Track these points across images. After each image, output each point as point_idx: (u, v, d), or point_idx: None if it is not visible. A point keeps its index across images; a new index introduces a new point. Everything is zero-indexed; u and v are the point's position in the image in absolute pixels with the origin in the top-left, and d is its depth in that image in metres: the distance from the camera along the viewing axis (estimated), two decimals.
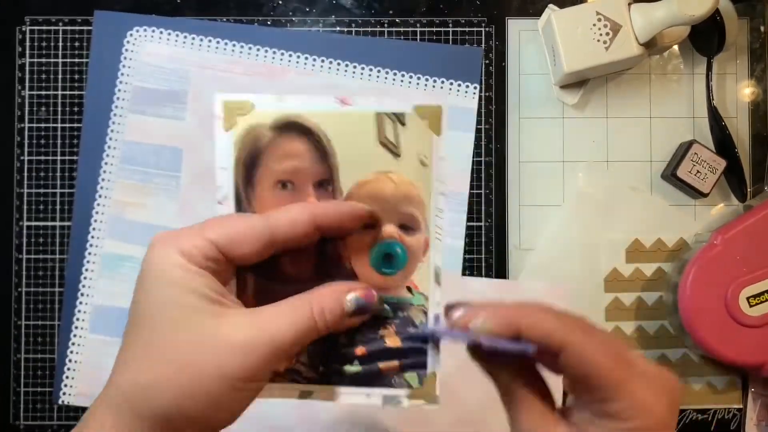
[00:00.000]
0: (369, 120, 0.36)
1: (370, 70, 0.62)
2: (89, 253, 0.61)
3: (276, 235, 0.34)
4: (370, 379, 0.37)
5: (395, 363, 0.37)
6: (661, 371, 0.35)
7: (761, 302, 0.57)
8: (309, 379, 0.37)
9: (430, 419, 0.60)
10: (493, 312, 0.34)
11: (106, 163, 0.62)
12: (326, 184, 0.37)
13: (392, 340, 0.37)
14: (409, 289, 0.37)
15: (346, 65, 0.62)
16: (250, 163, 0.36)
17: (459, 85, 0.63)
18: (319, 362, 0.37)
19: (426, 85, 0.63)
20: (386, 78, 0.62)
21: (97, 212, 0.61)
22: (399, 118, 0.36)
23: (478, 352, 0.35)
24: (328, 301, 0.35)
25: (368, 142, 0.37)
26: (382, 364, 0.37)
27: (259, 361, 0.33)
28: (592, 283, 0.62)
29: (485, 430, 0.60)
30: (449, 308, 0.35)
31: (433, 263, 0.37)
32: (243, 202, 0.37)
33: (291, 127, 0.36)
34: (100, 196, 0.61)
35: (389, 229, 0.37)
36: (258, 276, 0.36)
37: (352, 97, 0.36)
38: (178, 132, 0.62)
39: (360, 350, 0.37)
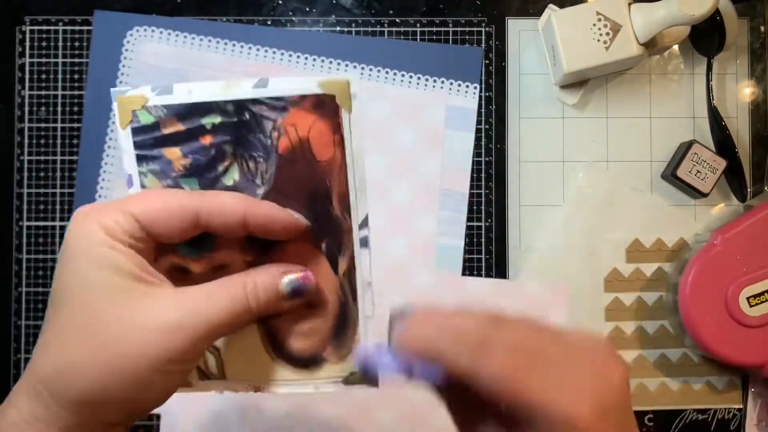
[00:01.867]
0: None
1: (370, 69, 0.62)
2: None
3: (203, 217, 0.33)
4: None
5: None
6: (590, 350, 0.30)
7: (761, 302, 0.57)
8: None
9: (377, 416, 0.60)
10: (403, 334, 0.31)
11: (105, 163, 0.62)
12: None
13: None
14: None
15: (346, 65, 0.62)
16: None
17: (459, 85, 0.63)
18: None
19: (426, 84, 0.63)
20: (386, 78, 0.62)
21: None
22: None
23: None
24: (264, 280, 0.33)
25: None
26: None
27: (189, 343, 0.31)
28: (592, 283, 0.62)
29: (428, 425, 0.60)
30: (393, 319, 0.33)
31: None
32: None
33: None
34: (99, 196, 0.61)
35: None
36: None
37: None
38: None
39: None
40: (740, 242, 0.57)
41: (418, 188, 0.62)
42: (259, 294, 0.33)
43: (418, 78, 0.62)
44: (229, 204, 0.33)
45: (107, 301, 0.30)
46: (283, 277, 0.34)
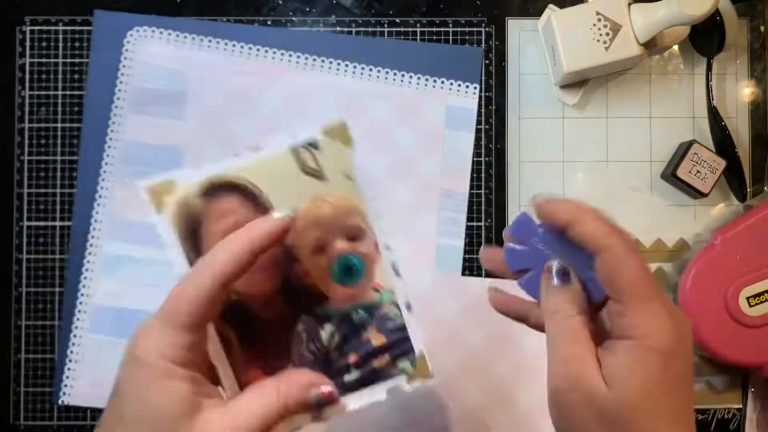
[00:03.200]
0: (286, 157, 0.38)
1: (370, 70, 0.62)
2: (89, 253, 0.61)
3: (227, 280, 0.36)
4: (370, 380, 0.39)
5: (386, 358, 0.39)
6: (678, 309, 0.37)
7: (761, 302, 0.57)
8: None
9: (437, 417, 0.60)
10: (552, 207, 0.39)
11: (106, 163, 0.62)
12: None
13: (377, 339, 0.39)
14: (375, 289, 0.40)
15: (346, 65, 0.62)
16: (192, 234, 0.38)
17: (459, 85, 0.63)
18: None
19: (426, 84, 0.63)
20: (386, 78, 0.62)
21: (97, 212, 0.61)
22: (312, 145, 0.39)
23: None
24: (295, 390, 0.36)
25: (293, 176, 0.39)
26: (375, 363, 0.39)
27: None
28: None
29: (488, 425, 0.60)
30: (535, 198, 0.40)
31: (389, 260, 0.40)
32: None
33: (218, 189, 0.38)
34: (100, 196, 0.61)
35: (340, 245, 0.39)
36: (236, 328, 0.38)
37: (264, 140, 0.38)
38: (178, 132, 0.62)
39: (353, 358, 0.39)
40: (740, 242, 0.57)
41: (418, 188, 0.62)
42: (289, 401, 0.36)
43: (418, 78, 0.62)
44: (236, 253, 0.36)
45: (171, 425, 0.34)
46: (312, 389, 0.37)
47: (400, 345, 0.40)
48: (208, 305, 0.35)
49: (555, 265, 0.39)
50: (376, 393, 0.39)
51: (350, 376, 0.39)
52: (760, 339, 0.57)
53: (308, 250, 0.39)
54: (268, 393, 0.36)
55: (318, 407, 0.37)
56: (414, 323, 0.40)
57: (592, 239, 0.37)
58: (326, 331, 0.39)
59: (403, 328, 0.39)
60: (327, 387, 0.37)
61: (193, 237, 0.38)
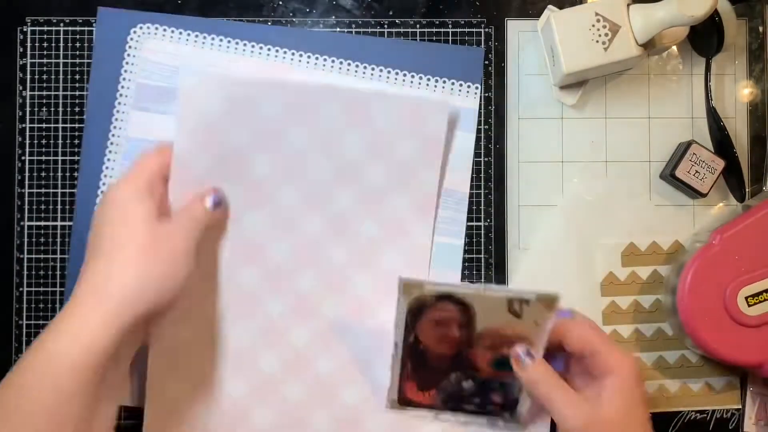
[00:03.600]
0: (502, 301, 0.51)
1: (372, 69, 0.63)
2: None
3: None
4: (480, 413, 0.59)
5: (498, 407, 0.58)
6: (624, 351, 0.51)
7: (760, 302, 0.57)
8: (442, 410, 0.59)
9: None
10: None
11: (108, 159, 0.62)
12: (467, 325, 0.54)
13: (497, 398, 0.58)
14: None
15: (349, 64, 0.63)
16: (417, 311, 0.53)
17: (461, 85, 0.63)
18: (449, 404, 0.59)
19: (428, 84, 0.63)
20: (388, 77, 0.63)
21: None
22: (524, 301, 0.51)
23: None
24: (196, 208, 0.55)
25: (500, 310, 0.52)
26: (491, 407, 0.58)
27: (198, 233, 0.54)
28: (589, 286, 0.62)
29: None
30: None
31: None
32: (409, 328, 0.55)
33: (446, 298, 0.52)
34: (102, 192, 0.62)
35: (506, 350, 0.54)
36: (414, 361, 0.57)
37: (492, 288, 0.52)
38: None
39: (477, 400, 0.58)
40: (739, 242, 0.58)
41: (418, 191, 0.61)
42: (199, 218, 0.55)
43: (420, 78, 0.63)
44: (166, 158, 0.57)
45: (153, 234, 0.50)
46: (205, 198, 0.55)
47: (511, 406, 0.57)
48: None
49: (520, 349, 0.52)
50: (480, 419, 0.59)
51: (467, 407, 0.58)
52: (758, 338, 0.57)
53: (483, 346, 0.54)
54: (183, 221, 0.53)
55: (216, 206, 0.55)
56: (524, 399, 0.57)
57: (579, 342, 0.52)
58: (467, 384, 0.57)
59: (517, 401, 0.57)
60: (210, 190, 0.56)
61: (417, 314, 0.54)
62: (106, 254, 0.49)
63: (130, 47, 0.62)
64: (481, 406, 0.58)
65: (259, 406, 0.60)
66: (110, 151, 0.62)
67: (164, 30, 0.62)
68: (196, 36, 0.62)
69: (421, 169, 0.60)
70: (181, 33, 0.62)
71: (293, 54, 0.63)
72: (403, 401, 0.59)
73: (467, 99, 0.63)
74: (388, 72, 0.63)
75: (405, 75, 0.63)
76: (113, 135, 0.62)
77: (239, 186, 0.58)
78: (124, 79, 0.62)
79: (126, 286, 0.48)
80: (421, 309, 0.54)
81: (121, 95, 0.62)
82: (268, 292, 0.60)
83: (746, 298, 0.57)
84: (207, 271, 0.59)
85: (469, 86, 0.63)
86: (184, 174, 0.56)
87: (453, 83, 0.63)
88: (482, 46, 0.63)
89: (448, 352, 0.56)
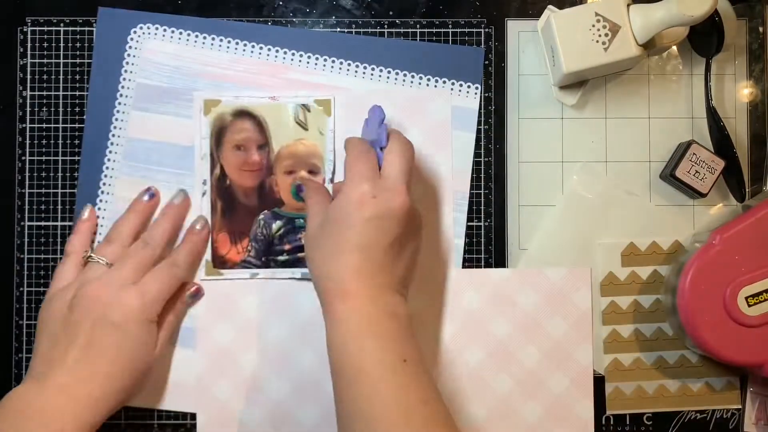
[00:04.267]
0: (288, 109, 0.61)
1: (372, 69, 0.63)
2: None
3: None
4: (294, 263, 0.62)
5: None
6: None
7: (760, 302, 0.57)
8: (256, 265, 0.61)
9: None
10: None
11: (108, 159, 0.62)
12: (264, 146, 0.62)
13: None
14: None
15: (348, 64, 0.63)
16: (218, 135, 0.61)
17: (461, 85, 0.63)
18: (261, 255, 0.61)
19: (428, 84, 0.63)
20: (388, 78, 0.63)
21: (99, 209, 0.62)
22: (306, 107, 0.61)
23: None
24: (183, 262, 0.59)
25: (288, 122, 0.62)
26: (300, 254, 0.61)
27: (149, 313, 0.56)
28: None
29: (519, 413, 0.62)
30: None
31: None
32: (215, 158, 0.61)
33: (242, 114, 0.61)
34: (102, 192, 0.62)
35: (302, 174, 0.62)
36: (223, 202, 0.61)
37: (278, 95, 0.61)
38: (181, 129, 0.62)
39: (287, 246, 0.62)
40: (739, 242, 0.58)
41: (429, 187, 0.62)
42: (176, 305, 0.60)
43: (420, 78, 0.63)
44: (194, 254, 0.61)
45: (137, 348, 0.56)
46: (187, 291, 0.61)
47: None
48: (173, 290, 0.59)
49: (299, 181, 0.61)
50: (296, 273, 0.61)
51: (282, 257, 0.61)
52: (758, 338, 0.57)
53: (282, 171, 0.62)
54: (164, 280, 0.57)
55: (194, 298, 0.61)
56: None
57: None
58: (276, 225, 0.61)
59: None
60: (194, 287, 0.61)
61: (219, 137, 0.61)
62: (82, 357, 0.53)
63: (130, 47, 0.62)
64: (292, 252, 0.61)
65: (303, 404, 0.61)
66: (110, 152, 0.62)
67: (164, 30, 0.62)
68: (196, 36, 0.62)
69: (432, 155, 0.63)
70: (181, 33, 0.62)
71: (293, 54, 0.63)
72: (218, 261, 0.61)
73: (467, 99, 0.63)
74: (388, 72, 0.63)
75: (405, 75, 0.63)
76: (113, 135, 0.62)
77: None
78: (124, 79, 0.62)
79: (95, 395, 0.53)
80: (221, 132, 0.60)
81: (121, 95, 0.62)
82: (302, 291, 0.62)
83: (746, 298, 0.57)
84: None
85: (469, 86, 0.63)
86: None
87: (453, 83, 0.63)
88: (482, 46, 0.63)
89: (252, 182, 0.61)
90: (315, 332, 0.61)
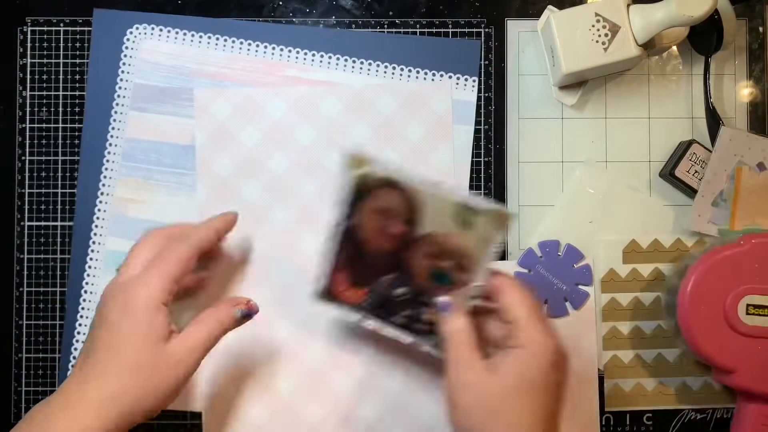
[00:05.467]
0: (453, 204, 0.52)
1: (370, 64, 0.63)
2: (92, 251, 0.62)
3: (203, 248, 0.53)
4: (407, 328, 0.54)
5: (428, 327, 0.54)
6: (558, 337, 0.49)
7: (760, 315, 0.56)
8: (369, 311, 0.55)
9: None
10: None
11: (107, 161, 0.62)
12: (412, 222, 0.53)
13: (430, 315, 0.53)
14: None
15: (346, 60, 0.63)
16: (358, 194, 0.53)
17: (459, 78, 0.63)
18: (377, 306, 0.54)
19: (425, 78, 0.63)
20: (385, 72, 0.63)
21: (99, 209, 0.62)
22: (476, 211, 0.51)
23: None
24: (224, 313, 0.52)
25: (449, 213, 0.52)
26: (418, 325, 0.54)
27: (196, 364, 0.50)
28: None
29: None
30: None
31: (470, 291, 0.53)
32: (348, 209, 0.53)
33: (393, 185, 0.52)
34: (102, 194, 0.62)
35: (446, 263, 0.53)
36: (352, 250, 0.54)
37: (448, 180, 0.60)
38: (179, 128, 0.62)
39: (407, 311, 0.54)
40: (761, 250, 0.57)
41: (433, 170, 0.62)
42: (224, 322, 0.52)
43: (417, 72, 0.63)
44: (212, 229, 0.54)
45: (154, 348, 0.49)
46: (235, 308, 0.52)
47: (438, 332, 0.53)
48: (189, 266, 0.51)
49: (441, 299, 0.52)
50: (407, 337, 0.54)
51: (396, 319, 0.54)
52: (744, 347, 0.56)
53: (424, 253, 0.53)
54: (208, 321, 0.51)
55: (243, 318, 0.53)
56: None
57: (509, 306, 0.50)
58: (400, 290, 0.54)
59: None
60: (245, 302, 0.53)
61: (357, 197, 0.53)
62: (102, 363, 0.48)
63: (126, 48, 0.62)
64: (411, 321, 0.54)
65: (309, 400, 0.61)
66: (109, 152, 0.62)
67: (160, 30, 0.62)
68: (193, 35, 0.62)
69: (434, 149, 0.62)
70: (177, 32, 0.62)
71: (290, 51, 0.63)
72: (330, 295, 0.55)
73: (465, 92, 0.63)
74: (386, 66, 0.63)
75: (402, 69, 0.63)
76: (112, 136, 0.62)
77: (260, 183, 0.62)
78: (121, 80, 0.62)
79: (116, 402, 0.47)
80: (365, 192, 0.53)
81: (119, 96, 0.62)
82: (304, 284, 0.59)
83: (748, 305, 0.56)
84: (245, 271, 0.62)
85: (467, 79, 0.63)
86: (210, 175, 0.61)
87: (450, 76, 0.63)
88: (482, 46, 0.63)
89: (386, 247, 0.54)
90: (318, 326, 0.61)
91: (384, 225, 0.53)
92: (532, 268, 0.62)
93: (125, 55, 0.62)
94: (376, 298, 0.55)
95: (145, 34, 0.62)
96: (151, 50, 0.62)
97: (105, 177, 0.62)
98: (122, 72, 0.62)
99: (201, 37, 0.62)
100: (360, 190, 0.53)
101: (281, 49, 0.63)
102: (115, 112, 0.62)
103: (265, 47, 0.63)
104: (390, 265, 0.54)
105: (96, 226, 0.62)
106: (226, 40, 0.62)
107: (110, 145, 0.62)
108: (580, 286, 0.62)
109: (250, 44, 0.63)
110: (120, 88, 0.62)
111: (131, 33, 0.62)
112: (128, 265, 0.51)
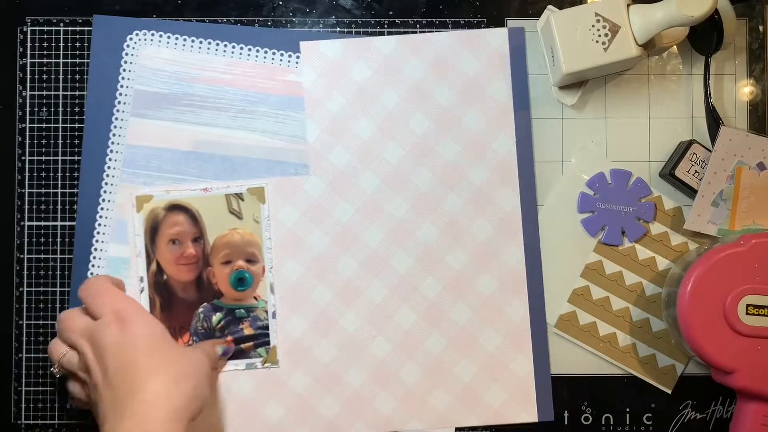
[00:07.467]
0: (221, 199, 0.61)
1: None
2: (94, 257, 0.61)
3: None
4: (236, 355, 0.61)
5: (250, 344, 0.61)
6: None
7: (760, 315, 0.56)
8: None
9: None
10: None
11: (108, 167, 0.62)
12: (199, 239, 0.61)
13: (248, 330, 0.61)
14: (255, 298, 0.61)
15: None
16: (152, 231, 0.61)
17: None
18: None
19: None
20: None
21: (100, 216, 0.61)
22: (239, 196, 0.61)
23: None
24: (210, 348, 0.58)
25: (222, 212, 0.61)
26: (243, 345, 0.61)
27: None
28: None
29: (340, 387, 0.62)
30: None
31: (269, 281, 0.61)
32: (150, 255, 0.61)
33: (175, 208, 0.61)
34: (103, 200, 0.62)
35: (239, 263, 0.61)
36: (161, 298, 0.61)
37: (210, 186, 0.61)
38: (180, 134, 0.62)
39: (229, 338, 0.61)
40: (761, 250, 0.57)
41: (465, 145, 0.62)
42: (210, 354, 0.57)
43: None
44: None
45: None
46: (217, 346, 0.59)
47: (261, 338, 0.61)
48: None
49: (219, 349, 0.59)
50: (239, 365, 0.60)
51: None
52: (742, 347, 0.56)
53: (219, 262, 0.61)
54: (205, 350, 0.57)
55: (223, 355, 0.59)
56: (274, 325, 0.61)
57: None
58: (216, 317, 0.61)
59: (266, 328, 0.61)
60: (224, 342, 0.60)
61: (153, 232, 0.61)
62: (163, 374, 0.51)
63: (126, 54, 0.62)
64: (235, 344, 0.60)
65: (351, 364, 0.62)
66: (110, 159, 0.62)
67: (160, 36, 0.62)
68: (192, 41, 0.62)
69: (511, 109, 0.63)
70: (177, 38, 0.62)
71: (290, 56, 0.62)
72: None
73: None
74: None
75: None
76: (113, 143, 0.62)
77: (350, 147, 0.62)
78: (121, 86, 0.62)
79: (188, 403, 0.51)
80: (155, 227, 0.60)
81: (119, 102, 0.62)
82: (393, 247, 0.62)
83: (748, 305, 0.56)
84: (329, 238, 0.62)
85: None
86: (320, 112, 0.62)
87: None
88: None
89: (189, 276, 0.60)
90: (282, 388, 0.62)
91: (179, 253, 0.60)
92: (598, 191, 0.62)
93: (125, 61, 0.62)
94: (200, 340, 0.60)
95: (145, 40, 0.62)
96: (151, 56, 0.62)
97: (106, 184, 0.62)
98: (122, 78, 0.62)
99: (201, 42, 0.62)
100: (152, 227, 0.60)
101: (281, 54, 0.63)
102: (116, 119, 0.62)
103: (265, 52, 0.63)
104: (198, 295, 0.61)
105: (98, 233, 0.61)
106: (225, 46, 0.62)
107: (111, 151, 0.62)
108: (640, 221, 0.62)
109: (249, 49, 0.62)
110: (120, 94, 0.62)
111: (131, 39, 0.62)
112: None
